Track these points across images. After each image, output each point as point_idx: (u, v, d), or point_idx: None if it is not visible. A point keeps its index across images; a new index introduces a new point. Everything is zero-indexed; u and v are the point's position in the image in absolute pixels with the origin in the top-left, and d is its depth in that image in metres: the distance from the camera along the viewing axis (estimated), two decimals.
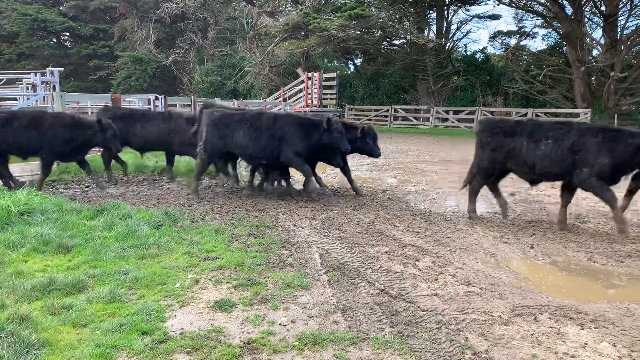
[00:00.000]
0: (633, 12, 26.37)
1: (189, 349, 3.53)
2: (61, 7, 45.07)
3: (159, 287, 4.64)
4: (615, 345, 3.73)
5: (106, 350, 3.47)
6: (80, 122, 9.06)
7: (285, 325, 3.95)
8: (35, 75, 17.80)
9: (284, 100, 29.92)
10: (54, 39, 46.44)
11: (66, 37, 47.34)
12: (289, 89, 30.96)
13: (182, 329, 3.85)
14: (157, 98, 15.67)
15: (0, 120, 8.70)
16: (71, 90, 38.67)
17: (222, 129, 8.70)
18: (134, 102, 16.50)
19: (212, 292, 4.59)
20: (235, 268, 5.17)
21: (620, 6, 25.91)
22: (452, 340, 3.74)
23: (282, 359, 3.47)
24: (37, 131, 8.76)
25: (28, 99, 15.33)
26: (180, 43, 42.53)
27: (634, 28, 26.21)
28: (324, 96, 29.88)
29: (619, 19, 26.30)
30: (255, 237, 6.31)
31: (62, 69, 21.92)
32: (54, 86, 17.69)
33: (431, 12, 32.45)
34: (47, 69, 18.81)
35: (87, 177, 10.01)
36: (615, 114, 25.06)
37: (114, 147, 9.35)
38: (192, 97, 18.49)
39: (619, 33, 26.24)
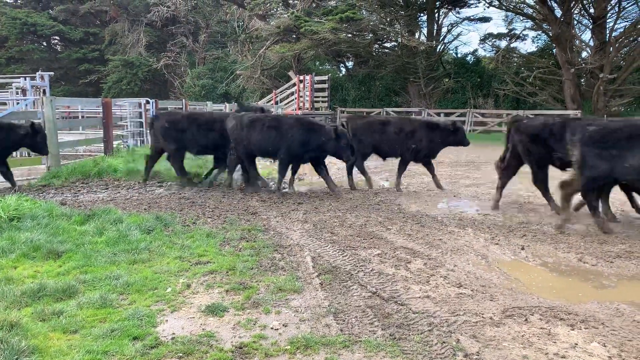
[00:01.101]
0: (621, 14, 26.69)
1: (181, 354, 3.52)
2: (51, 11, 44.81)
3: (151, 292, 4.62)
4: (605, 346, 3.75)
5: (97, 356, 3.44)
6: (318, 127, 9.40)
7: (277, 329, 3.95)
8: (25, 79, 17.73)
9: (276, 103, 29.93)
10: (44, 43, 46.18)
11: (56, 41, 47.09)
12: (280, 91, 30.98)
13: (173, 334, 3.84)
14: (148, 102, 15.63)
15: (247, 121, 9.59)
16: (61, 94, 38.44)
17: (605, 148, 6.69)
18: (125, 106, 16.43)
19: (203, 296, 4.58)
20: (227, 272, 5.16)
21: (608, 8, 26.18)
22: (444, 342, 3.75)
23: None
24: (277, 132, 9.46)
25: (18, 103, 15.23)
26: (171, 46, 42.43)
27: (622, 30, 26.51)
28: (315, 99, 29.92)
29: (608, 21, 26.58)
30: (247, 241, 6.30)
31: (52, 73, 21.82)
32: (44, 90, 17.61)
33: (422, 14, 32.64)
34: (37, 73, 18.73)
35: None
36: (605, 115, 25.26)
37: (345, 156, 9.45)
38: (184, 100, 18.48)
39: (608, 35, 26.51)
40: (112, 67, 41.95)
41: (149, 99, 15.84)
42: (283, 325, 4.01)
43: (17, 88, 18.05)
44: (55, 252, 5.55)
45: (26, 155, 12.92)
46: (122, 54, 42.53)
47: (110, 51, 44.08)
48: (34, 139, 9.44)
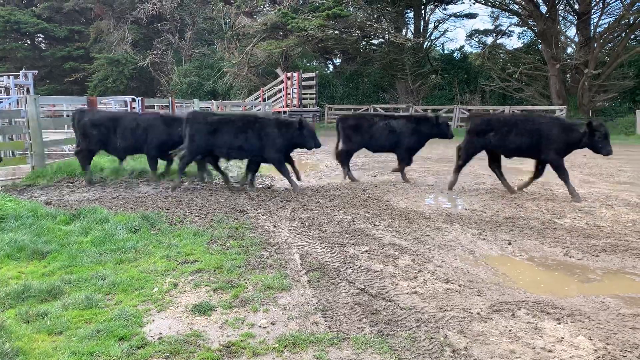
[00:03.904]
0: (605, 10, 26.96)
1: (168, 354, 3.49)
2: (35, 9, 44.12)
3: (137, 291, 4.58)
4: (591, 339, 3.78)
5: (82, 357, 3.41)
6: None
7: (265, 327, 3.93)
8: (9, 78, 17.47)
9: (264, 100, 29.82)
10: (28, 41, 45.53)
11: (40, 39, 46.46)
12: (268, 89, 30.87)
13: (160, 333, 3.81)
14: (134, 100, 15.49)
15: None
16: (46, 93, 37.98)
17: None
18: (111, 104, 16.28)
19: (190, 295, 4.55)
20: (215, 271, 5.13)
21: (593, 4, 26.42)
22: (432, 338, 3.75)
23: None
24: None
25: (1, 102, 15.01)
26: (157, 44, 42.05)
27: (606, 26, 26.78)
28: (303, 96, 29.86)
29: (592, 17, 26.83)
30: (235, 239, 6.27)
31: (37, 71, 21.55)
32: (27, 89, 17.39)
33: (409, 11, 32.70)
34: (20, 71, 18.48)
35: None
36: (590, 110, 25.53)
37: None
38: (170, 98, 18.35)
39: (592, 31, 26.77)
40: (98, 65, 41.46)
41: (135, 97, 15.70)
42: (271, 323, 3.99)
43: (0, 87, 17.79)
44: (39, 253, 5.49)
45: (10, 155, 12.74)
46: (108, 52, 42.05)
47: (95, 49, 43.56)
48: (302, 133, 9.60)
